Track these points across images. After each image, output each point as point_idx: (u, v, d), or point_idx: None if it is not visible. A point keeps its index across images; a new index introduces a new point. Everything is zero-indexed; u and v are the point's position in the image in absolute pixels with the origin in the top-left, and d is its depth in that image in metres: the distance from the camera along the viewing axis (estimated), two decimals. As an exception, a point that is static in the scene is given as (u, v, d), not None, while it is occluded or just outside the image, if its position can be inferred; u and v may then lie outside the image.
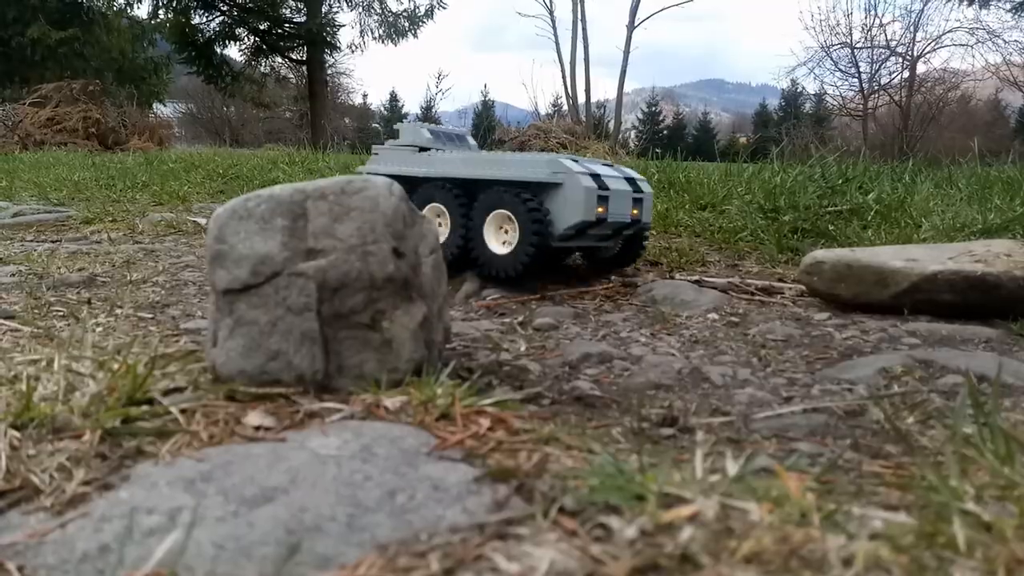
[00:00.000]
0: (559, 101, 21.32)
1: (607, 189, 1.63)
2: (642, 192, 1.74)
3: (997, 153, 5.28)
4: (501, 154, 1.74)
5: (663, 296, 1.62)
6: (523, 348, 1.22)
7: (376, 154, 1.95)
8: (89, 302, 1.48)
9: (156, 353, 0.94)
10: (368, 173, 1.88)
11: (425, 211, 1.74)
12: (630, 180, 1.74)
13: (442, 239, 1.72)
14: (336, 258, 0.86)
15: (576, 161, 1.65)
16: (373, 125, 27.75)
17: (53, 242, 2.42)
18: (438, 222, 1.76)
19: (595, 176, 1.62)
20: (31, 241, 2.44)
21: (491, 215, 1.67)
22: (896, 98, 19.79)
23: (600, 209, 1.60)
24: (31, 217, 2.95)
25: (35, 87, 11.51)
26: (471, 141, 2.03)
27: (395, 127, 1.98)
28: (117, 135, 10.95)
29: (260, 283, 0.87)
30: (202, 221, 2.80)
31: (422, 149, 1.88)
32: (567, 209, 1.60)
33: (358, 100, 31.16)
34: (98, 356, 0.92)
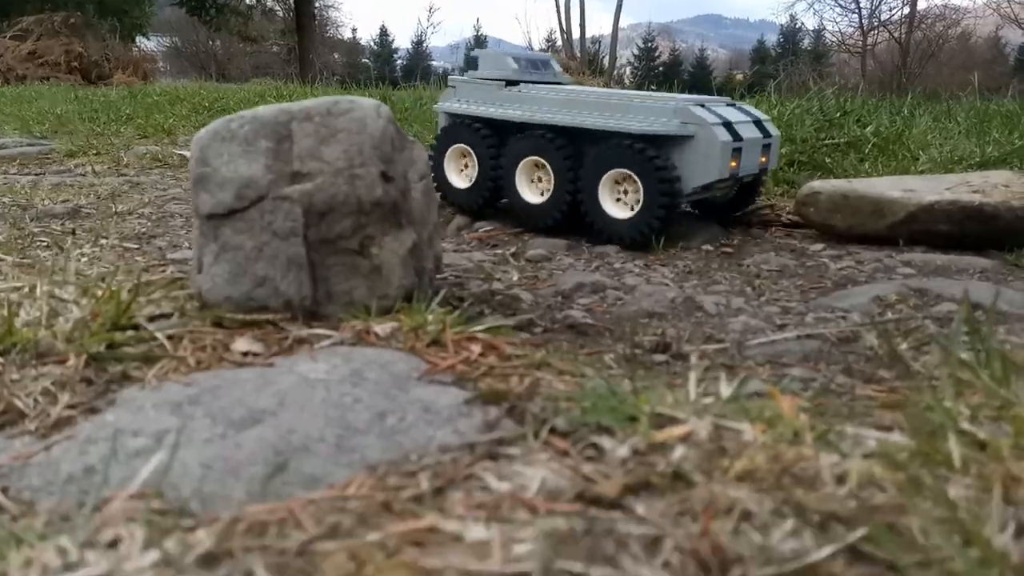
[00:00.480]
0: (553, 36, 20.91)
1: (741, 139, 1.42)
2: (771, 136, 1.54)
3: (996, 89, 5.22)
4: (613, 93, 1.55)
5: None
6: (515, 278, 1.21)
7: (452, 87, 1.70)
8: (74, 232, 1.46)
9: (141, 280, 0.92)
10: (445, 112, 1.68)
11: (520, 166, 1.53)
12: (757, 123, 1.53)
13: (540, 199, 1.53)
14: (323, 181, 0.84)
15: (703, 106, 1.42)
16: (363, 60, 27.15)
17: (36, 175, 2.37)
18: (535, 177, 1.54)
19: (728, 125, 1.41)
20: (14, 174, 2.39)
21: (608, 174, 1.43)
22: (896, 34, 19.49)
23: (733, 164, 1.40)
24: (14, 150, 2.89)
25: (15, 20, 11.20)
26: (556, 67, 1.77)
27: (472, 54, 1.74)
28: (100, 69, 10.71)
29: (245, 207, 0.84)
30: (187, 154, 2.75)
31: (508, 83, 1.63)
32: (699, 166, 1.38)
33: (347, 35, 30.45)
34: (82, 283, 0.90)
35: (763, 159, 1.52)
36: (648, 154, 1.38)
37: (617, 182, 1.44)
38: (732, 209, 1.67)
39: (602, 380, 0.68)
